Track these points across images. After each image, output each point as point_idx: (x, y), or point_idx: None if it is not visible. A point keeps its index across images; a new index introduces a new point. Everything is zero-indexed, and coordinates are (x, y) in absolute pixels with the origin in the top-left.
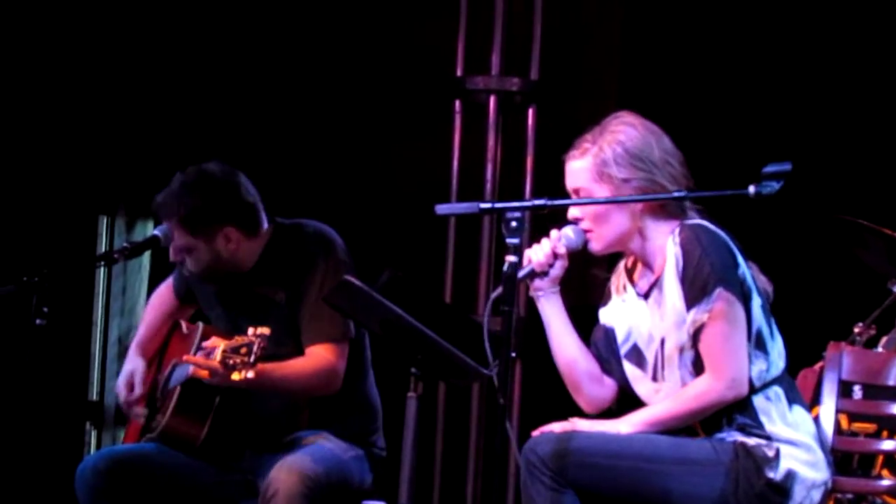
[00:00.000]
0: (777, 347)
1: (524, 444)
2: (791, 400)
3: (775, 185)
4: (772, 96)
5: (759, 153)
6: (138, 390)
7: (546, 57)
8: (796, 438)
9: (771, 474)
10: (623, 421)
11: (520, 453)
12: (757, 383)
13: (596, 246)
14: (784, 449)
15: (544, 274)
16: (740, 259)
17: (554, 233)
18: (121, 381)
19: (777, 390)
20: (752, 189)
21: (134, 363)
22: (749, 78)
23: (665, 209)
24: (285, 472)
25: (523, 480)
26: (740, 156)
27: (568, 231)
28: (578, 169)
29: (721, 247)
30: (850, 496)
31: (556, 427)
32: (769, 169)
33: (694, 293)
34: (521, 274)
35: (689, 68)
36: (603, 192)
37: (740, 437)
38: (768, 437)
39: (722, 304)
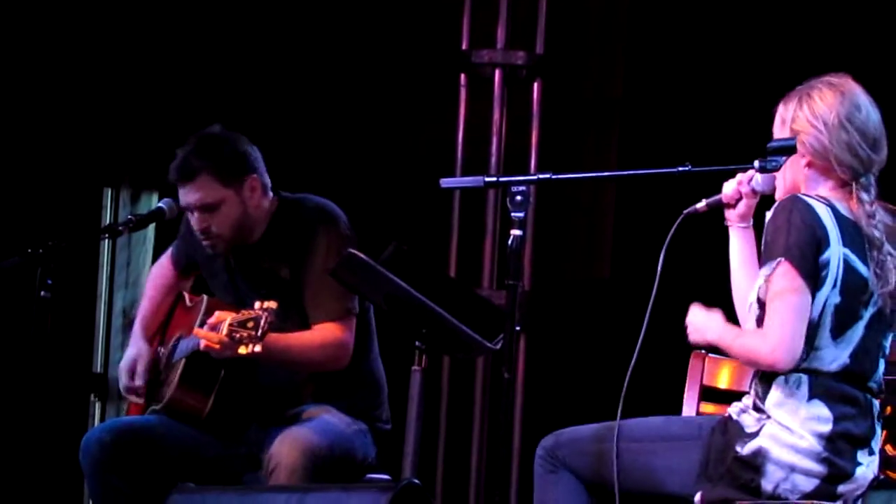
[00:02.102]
0: (822, 345)
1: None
2: (815, 395)
3: (780, 160)
4: (778, 71)
5: (767, 128)
6: (140, 381)
7: (551, 31)
8: (791, 425)
9: (738, 448)
10: (715, 327)
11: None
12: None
13: (776, 192)
14: (769, 427)
15: (731, 207)
16: (832, 247)
17: (750, 172)
18: (123, 366)
19: (802, 379)
20: (757, 164)
21: (138, 347)
22: (757, 52)
23: (831, 173)
24: (287, 446)
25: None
26: (747, 131)
27: (757, 176)
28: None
29: (806, 225)
30: None
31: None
32: (774, 144)
33: (766, 256)
34: (708, 200)
35: (696, 42)
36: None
37: (734, 411)
38: (766, 413)
39: (781, 274)
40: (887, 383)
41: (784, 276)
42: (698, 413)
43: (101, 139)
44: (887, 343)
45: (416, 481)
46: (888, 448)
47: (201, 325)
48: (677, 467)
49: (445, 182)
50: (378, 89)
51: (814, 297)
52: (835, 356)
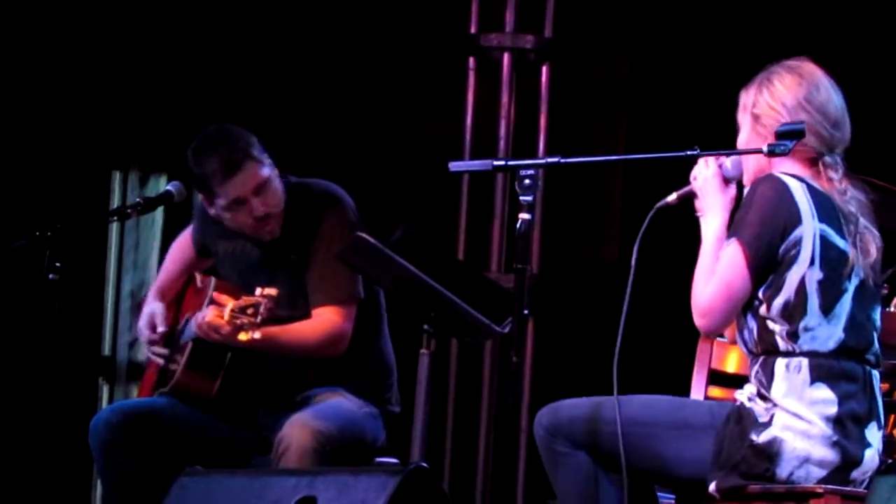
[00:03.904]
0: (814, 325)
1: (535, 419)
2: (817, 378)
3: (789, 145)
4: (785, 54)
5: None
6: (161, 328)
7: (560, 14)
8: (799, 412)
9: (754, 436)
10: (715, 218)
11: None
12: (781, 346)
13: (744, 178)
14: (780, 416)
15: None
16: (804, 224)
17: (720, 159)
18: (142, 323)
19: (802, 362)
20: (765, 148)
21: (152, 306)
22: (761, 37)
23: (795, 154)
24: (297, 428)
25: (542, 456)
26: None
27: (726, 161)
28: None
29: (770, 205)
30: None
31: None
32: (783, 128)
33: (731, 229)
34: (679, 192)
35: (704, 26)
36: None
37: (745, 399)
38: (772, 402)
39: (731, 255)
40: (891, 367)
41: (732, 257)
42: (706, 396)
43: (109, 122)
44: (877, 315)
45: (424, 464)
46: (895, 433)
47: (207, 307)
48: (688, 455)
49: (454, 166)
50: (387, 73)
51: (784, 276)
52: (830, 333)
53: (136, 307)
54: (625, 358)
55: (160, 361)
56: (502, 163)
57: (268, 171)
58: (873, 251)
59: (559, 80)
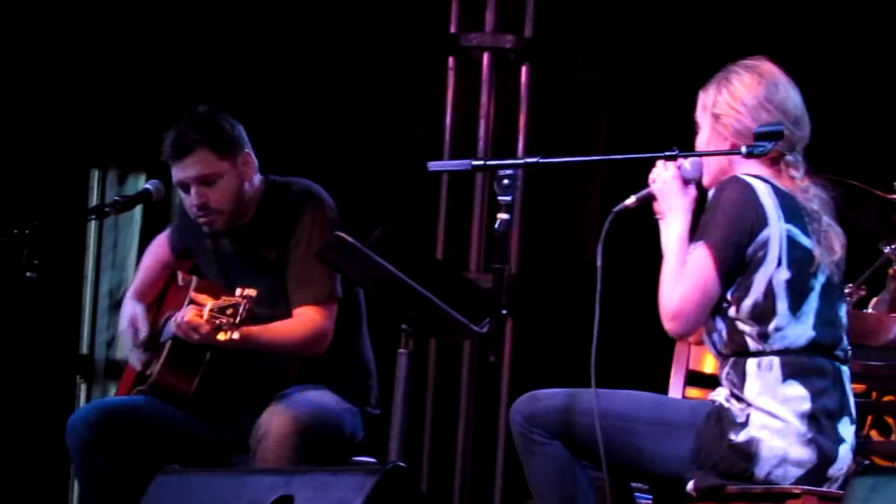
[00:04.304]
0: (784, 324)
1: (512, 406)
2: (789, 375)
3: (767, 146)
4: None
5: None
6: (144, 331)
7: (540, 14)
8: (774, 410)
9: (733, 436)
10: (677, 220)
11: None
12: (752, 347)
13: (703, 179)
14: (756, 416)
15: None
16: (771, 225)
17: (679, 161)
18: (124, 326)
19: (773, 361)
20: (744, 149)
21: (133, 308)
22: (742, 38)
23: (757, 156)
24: (277, 414)
25: (517, 444)
26: None
27: (685, 163)
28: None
29: (736, 208)
30: None
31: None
32: (761, 129)
33: (696, 232)
34: (638, 195)
35: (684, 26)
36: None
37: (723, 400)
38: (746, 402)
39: (698, 258)
40: (870, 368)
41: (701, 260)
42: (684, 397)
43: (88, 120)
44: (843, 312)
45: (403, 464)
46: (874, 433)
47: (187, 306)
48: (666, 452)
49: (433, 165)
50: (367, 72)
51: (752, 278)
52: (800, 331)
53: (115, 306)
54: (602, 359)
55: (142, 362)
56: (481, 163)
57: (225, 166)
58: (838, 248)
59: (539, 81)
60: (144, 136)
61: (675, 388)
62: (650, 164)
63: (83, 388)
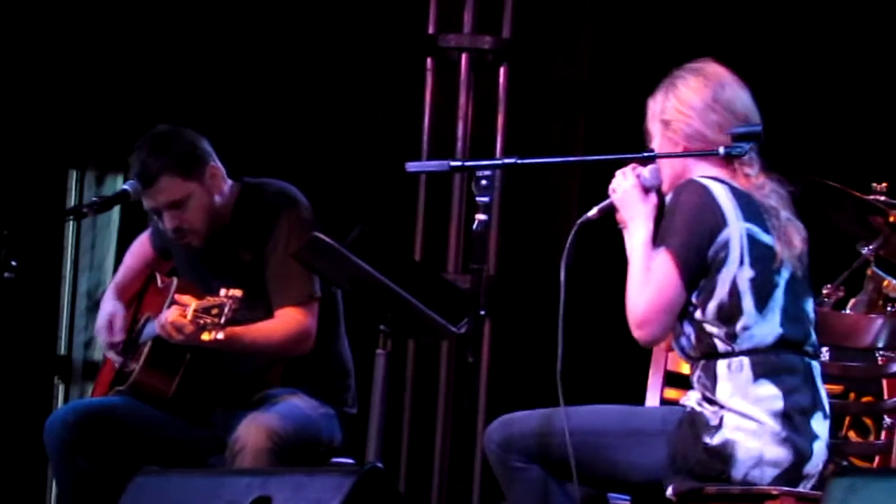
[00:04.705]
0: (751, 322)
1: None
2: (760, 374)
3: (745, 147)
4: (744, 56)
5: None
6: (119, 335)
7: (519, 15)
8: (747, 410)
9: (707, 439)
10: (640, 229)
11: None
12: (720, 348)
13: (662, 185)
14: (729, 417)
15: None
16: (730, 226)
17: (638, 169)
18: (101, 324)
19: (743, 361)
20: (722, 150)
21: (113, 305)
22: (721, 38)
23: (711, 159)
24: (253, 428)
25: (495, 471)
26: None
27: (644, 170)
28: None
29: (694, 211)
30: None
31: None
32: (739, 130)
33: (657, 239)
34: (600, 206)
35: (663, 26)
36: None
37: (694, 404)
38: (718, 404)
39: (662, 264)
40: (848, 369)
41: (664, 266)
42: (662, 398)
43: (66, 121)
44: (810, 307)
45: (380, 465)
46: (852, 434)
47: (169, 307)
48: (641, 461)
49: (411, 166)
50: (344, 73)
51: (715, 279)
52: (768, 329)
53: (93, 307)
54: (581, 364)
55: (117, 363)
56: (459, 163)
57: (192, 186)
58: (798, 242)
59: (517, 81)
60: (122, 136)
61: (654, 390)
62: (628, 164)
63: (61, 388)
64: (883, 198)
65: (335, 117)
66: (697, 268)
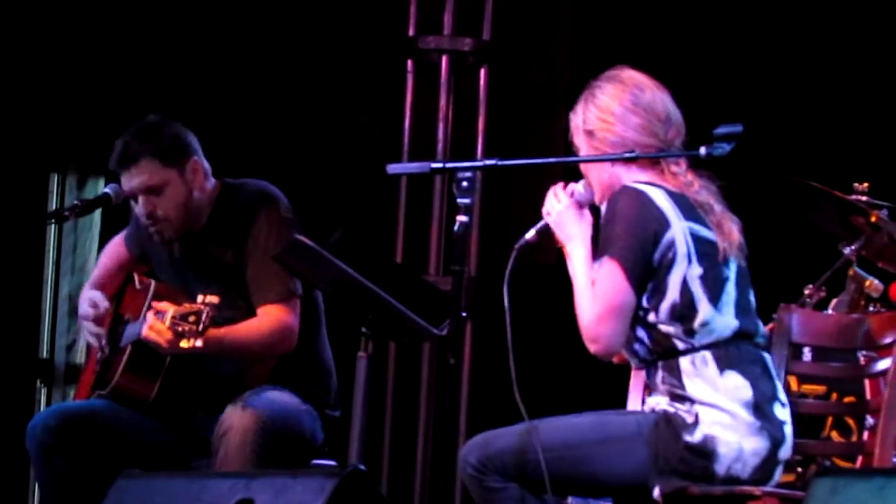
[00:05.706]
0: (709, 318)
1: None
2: (725, 366)
3: (727, 147)
4: (724, 57)
5: (712, 115)
6: (103, 305)
7: (499, 17)
8: (720, 403)
9: (688, 437)
10: (579, 248)
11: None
12: (680, 346)
13: (595, 198)
14: (704, 413)
15: None
16: (673, 226)
17: (570, 187)
18: (84, 306)
19: (705, 356)
20: (703, 150)
21: (91, 293)
22: (701, 40)
23: (637, 163)
24: (240, 411)
25: (472, 491)
26: (692, 117)
27: (578, 186)
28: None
29: (635, 216)
30: (798, 458)
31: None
32: (720, 130)
33: (598, 250)
34: (537, 228)
35: (642, 30)
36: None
37: (666, 405)
38: (690, 400)
39: (607, 274)
40: (830, 369)
41: (610, 274)
42: (644, 399)
43: (48, 124)
44: (752, 298)
45: (362, 467)
46: (834, 434)
47: (146, 311)
48: (622, 467)
49: (392, 168)
50: (325, 75)
51: (666, 280)
52: (725, 322)
53: (75, 310)
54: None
55: (97, 343)
56: (440, 165)
57: (171, 175)
58: (736, 233)
59: (497, 83)
60: (103, 140)
61: (636, 390)
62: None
63: (43, 391)
64: (864, 198)
65: (316, 118)
66: (644, 271)
